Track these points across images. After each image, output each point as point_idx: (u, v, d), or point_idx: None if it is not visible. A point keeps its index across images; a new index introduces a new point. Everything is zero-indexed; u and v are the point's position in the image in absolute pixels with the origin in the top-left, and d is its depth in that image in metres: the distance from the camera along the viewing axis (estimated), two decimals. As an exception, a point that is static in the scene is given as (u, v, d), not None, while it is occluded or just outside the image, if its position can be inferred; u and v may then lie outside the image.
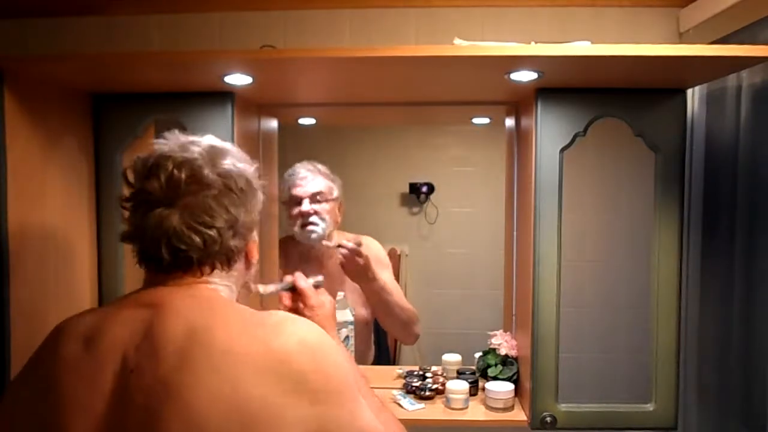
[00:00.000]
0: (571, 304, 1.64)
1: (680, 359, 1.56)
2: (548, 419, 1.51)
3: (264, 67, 1.37)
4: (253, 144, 1.70)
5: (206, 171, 0.87)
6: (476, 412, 1.61)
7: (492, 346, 1.75)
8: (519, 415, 1.59)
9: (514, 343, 1.73)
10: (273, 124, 1.89)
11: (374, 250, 2.01)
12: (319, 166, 1.96)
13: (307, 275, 1.95)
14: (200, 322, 0.79)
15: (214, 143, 0.93)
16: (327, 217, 1.90)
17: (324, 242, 1.88)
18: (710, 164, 1.65)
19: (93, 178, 1.59)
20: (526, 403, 1.57)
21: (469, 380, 1.67)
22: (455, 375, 1.74)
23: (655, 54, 1.23)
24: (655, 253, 1.53)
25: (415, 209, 2.69)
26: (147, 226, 0.85)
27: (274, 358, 0.76)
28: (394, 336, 2.11)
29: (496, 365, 1.70)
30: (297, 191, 1.90)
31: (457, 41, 1.35)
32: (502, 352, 1.71)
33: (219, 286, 0.90)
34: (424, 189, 2.66)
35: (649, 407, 1.54)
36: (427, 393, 1.66)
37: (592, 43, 1.30)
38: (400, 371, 1.82)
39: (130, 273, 1.63)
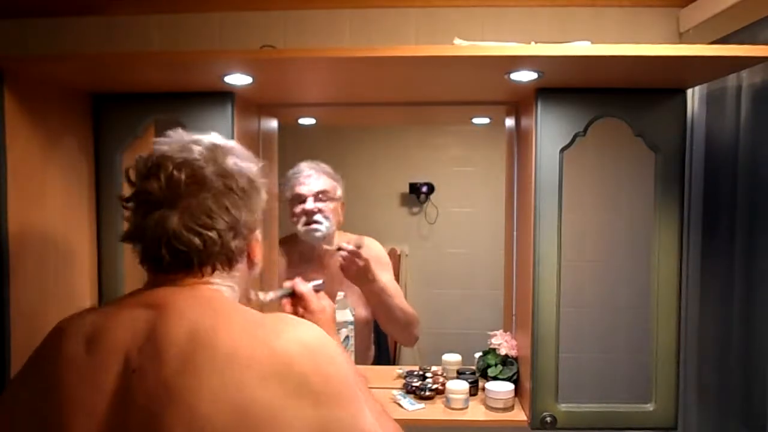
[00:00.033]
0: (571, 304, 1.64)
1: (680, 359, 1.56)
2: (548, 419, 1.51)
3: (264, 67, 1.37)
4: (253, 144, 1.70)
5: (206, 171, 0.86)
6: (476, 412, 1.61)
7: (492, 346, 1.75)
8: (519, 415, 1.59)
9: (514, 343, 1.73)
10: (273, 124, 1.89)
11: (375, 251, 2.00)
12: (323, 166, 1.96)
13: (308, 274, 1.95)
14: (203, 324, 0.79)
15: (216, 142, 0.92)
16: (330, 216, 1.90)
17: (325, 246, 1.88)
18: (710, 164, 1.65)
19: (93, 178, 1.59)
20: (526, 403, 1.57)
21: (469, 380, 1.67)
22: (455, 375, 1.74)
23: (655, 54, 1.23)
24: (655, 253, 1.53)
25: (415, 209, 2.69)
26: (147, 227, 0.85)
27: (277, 360, 0.76)
28: (394, 338, 2.11)
29: (496, 365, 1.70)
30: (301, 189, 1.90)
31: (457, 41, 1.35)
32: (502, 352, 1.71)
33: (221, 287, 0.90)
34: (424, 189, 2.66)
35: (649, 407, 1.54)
36: (427, 393, 1.66)
37: (592, 43, 1.30)
38: (400, 371, 1.82)
39: (130, 273, 1.63)
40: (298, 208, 1.89)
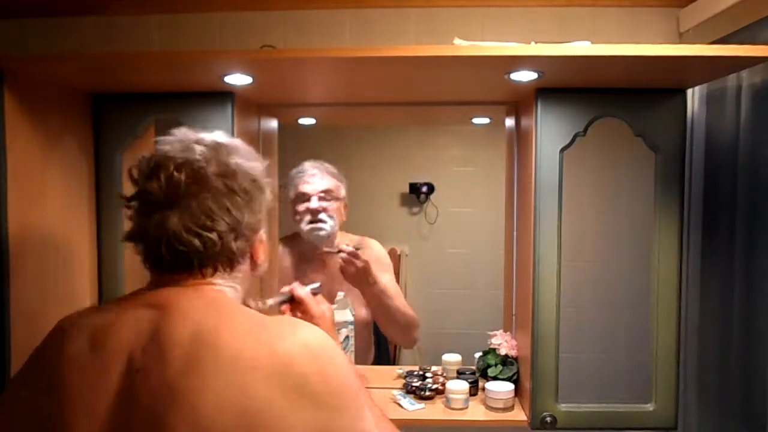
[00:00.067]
0: (571, 304, 1.64)
1: (680, 359, 1.56)
2: (548, 419, 1.51)
3: (264, 67, 1.37)
4: (253, 144, 1.67)
5: (207, 172, 0.85)
6: (476, 412, 1.61)
7: (492, 346, 1.75)
8: (519, 415, 1.59)
9: (514, 343, 1.73)
10: (273, 124, 1.89)
11: (377, 252, 2.00)
12: (327, 165, 1.96)
13: (308, 274, 1.95)
14: (207, 325, 0.79)
15: (220, 140, 0.91)
16: (334, 215, 1.90)
17: (325, 249, 1.88)
18: (710, 164, 1.65)
19: (93, 178, 1.59)
20: (526, 403, 1.57)
21: (469, 380, 1.67)
22: (455, 375, 1.74)
23: (655, 54, 1.23)
24: (655, 253, 1.53)
25: (415, 209, 2.69)
26: (149, 227, 0.85)
27: (279, 362, 0.76)
28: (393, 340, 2.09)
29: (496, 365, 1.70)
30: (306, 188, 1.89)
31: (457, 41, 1.35)
32: (502, 352, 1.71)
33: (224, 288, 0.89)
34: (424, 189, 2.66)
35: (649, 407, 1.54)
36: (427, 393, 1.66)
37: (592, 43, 1.30)
38: (400, 371, 1.82)
39: (130, 273, 1.63)
40: (302, 207, 1.88)
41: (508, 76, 1.38)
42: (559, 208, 1.50)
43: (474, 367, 1.77)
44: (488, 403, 1.61)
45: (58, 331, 0.87)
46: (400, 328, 1.90)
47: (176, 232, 0.83)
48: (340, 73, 1.47)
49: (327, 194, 1.89)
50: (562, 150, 1.49)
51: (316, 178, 1.90)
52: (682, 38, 1.77)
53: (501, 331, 1.79)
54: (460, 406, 1.61)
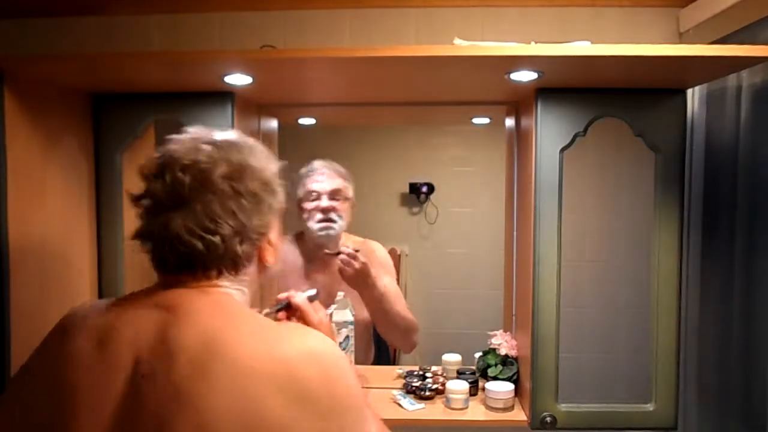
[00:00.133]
0: (571, 304, 1.64)
1: (680, 359, 1.56)
2: (548, 419, 1.51)
3: (264, 67, 1.37)
4: (253, 144, 1.69)
5: (213, 174, 0.84)
6: (476, 412, 1.61)
7: (492, 346, 1.75)
8: (519, 415, 1.59)
9: (514, 343, 1.73)
10: (273, 124, 1.89)
11: (379, 255, 1.99)
12: (336, 165, 1.94)
13: (311, 273, 1.95)
14: (215, 330, 0.78)
15: (233, 141, 0.89)
16: (343, 215, 1.89)
17: (325, 250, 1.87)
18: (710, 164, 1.65)
19: (93, 178, 1.59)
20: (526, 403, 1.57)
21: (469, 380, 1.67)
22: (455, 375, 1.74)
23: (655, 54, 1.23)
24: (655, 253, 1.53)
25: (415, 209, 2.69)
26: (154, 227, 0.85)
27: (285, 369, 0.75)
28: (392, 344, 2.06)
29: (496, 365, 1.70)
30: (316, 186, 1.88)
31: (457, 41, 1.35)
32: (502, 352, 1.71)
33: (230, 290, 0.88)
34: (424, 189, 2.65)
35: (649, 407, 1.54)
36: (427, 393, 1.66)
37: (592, 43, 1.30)
38: (400, 371, 1.82)
39: (130, 273, 1.63)
40: (311, 205, 1.87)
41: (508, 76, 1.38)
42: (559, 208, 1.50)
43: (474, 367, 1.77)
44: (488, 403, 1.61)
45: (62, 330, 0.86)
46: (399, 332, 1.88)
47: (179, 234, 0.83)
48: (339, 73, 1.47)
49: (337, 194, 1.88)
50: (562, 150, 1.49)
51: (326, 177, 1.89)
52: (682, 38, 1.77)
53: (501, 331, 1.79)
54: (460, 406, 1.61)
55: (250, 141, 0.93)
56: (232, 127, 1.52)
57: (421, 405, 1.64)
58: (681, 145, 1.51)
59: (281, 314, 1.06)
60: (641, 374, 1.59)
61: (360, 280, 1.74)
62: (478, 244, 2.60)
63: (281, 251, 0.98)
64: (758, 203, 1.42)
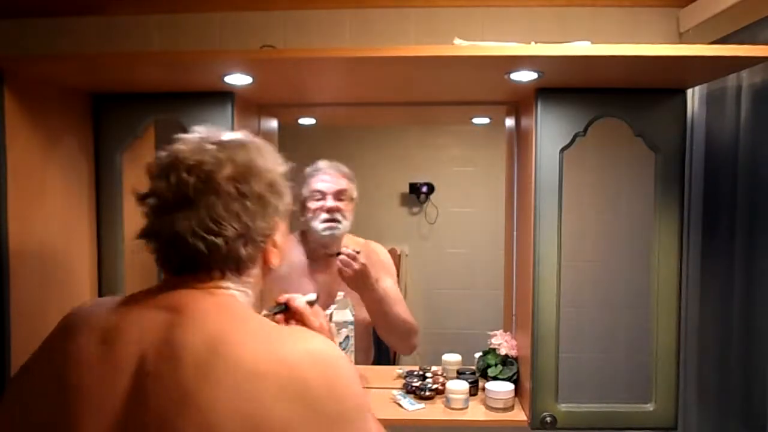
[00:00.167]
0: (571, 304, 1.65)
1: (680, 359, 1.56)
2: (548, 419, 1.51)
3: (264, 67, 1.37)
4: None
5: (218, 176, 0.83)
6: (476, 412, 1.61)
7: (492, 346, 1.75)
8: (519, 415, 1.59)
9: (514, 343, 1.73)
10: (273, 124, 1.89)
11: (381, 257, 1.99)
12: (341, 166, 1.94)
13: (312, 272, 1.94)
14: (220, 332, 0.78)
15: (240, 142, 0.89)
16: (348, 215, 1.89)
17: (325, 251, 1.87)
18: (710, 164, 1.65)
19: (93, 178, 1.59)
20: (526, 403, 1.57)
21: (469, 380, 1.67)
22: (455, 375, 1.74)
23: (655, 54, 1.23)
24: (655, 253, 1.53)
25: (415, 209, 2.69)
26: (159, 227, 0.85)
27: (289, 372, 0.75)
28: (391, 346, 2.05)
29: (496, 365, 1.70)
30: (321, 186, 1.88)
31: (457, 41, 1.35)
32: (502, 352, 1.71)
33: (235, 292, 0.88)
34: (424, 189, 2.66)
35: (649, 407, 1.54)
36: (427, 393, 1.66)
37: (592, 43, 1.30)
38: (400, 371, 1.82)
39: (130, 273, 1.63)
40: (316, 205, 1.87)
41: (508, 76, 1.38)
42: (559, 208, 1.50)
43: (474, 367, 1.77)
44: (488, 403, 1.61)
45: (65, 328, 0.86)
46: (398, 334, 1.88)
47: (181, 235, 0.82)
48: (340, 73, 1.47)
49: (342, 194, 1.88)
50: (562, 150, 1.49)
51: (332, 177, 1.89)
52: (682, 38, 1.77)
53: (501, 331, 1.79)
54: (460, 406, 1.61)
55: (259, 141, 0.92)
56: (232, 127, 1.52)
57: (421, 405, 1.64)
58: (681, 145, 1.51)
59: (279, 316, 1.05)
60: (641, 374, 1.59)
61: (359, 282, 1.74)
62: (478, 244, 2.60)
63: (286, 252, 0.97)
64: (758, 203, 1.42)
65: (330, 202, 1.85)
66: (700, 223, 1.68)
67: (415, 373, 1.76)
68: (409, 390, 1.70)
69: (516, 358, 1.70)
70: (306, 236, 1.94)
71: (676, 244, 1.53)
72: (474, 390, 1.68)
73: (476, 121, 2.09)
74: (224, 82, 1.42)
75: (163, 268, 0.88)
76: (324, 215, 1.85)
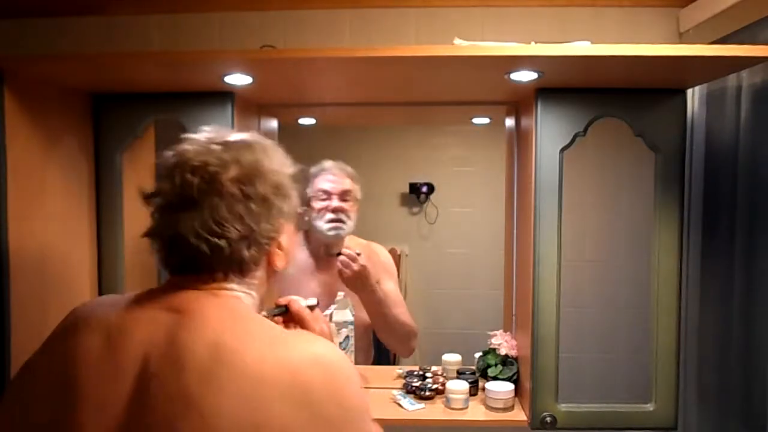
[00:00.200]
0: (571, 304, 1.64)
1: (680, 359, 1.56)
2: (548, 419, 1.51)
3: (264, 67, 1.37)
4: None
5: (223, 177, 0.83)
6: (476, 412, 1.61)
7: (492, 346, 1.75)
8: (519, 415, 1.59)
9: (514, 343, 1.73)
10: (273, 124, 1.89)
11: (382, 257, 1.99)
12: (345, 166, 1.94)
13: (314, 272, 1.94)
14: (224, 337, 0.77)
15: (247, 142, 0.88)
16: (352, 216, 1.89)
17: (325, 251, 1.87)
18: (710, 164, 1.65)
19: (93, 178, 1.59)
20: (526, 403, 1.57)
21: (469, 380, 1.67)
22: (455, 375, 1.74)
23: (655, 54, 1.23)
24: (655, 253, 1.53)
25: (415, 209, 2.68)
26: (163, 228, 0.84)
27: (294, 377, 0.75)
28: (390, 348, 2.06)
29: (496, 365, 1.70)
30: (327, 186, 1.88)
31: (457, 41, 1.35)
32: (502, 352, 1.71)
33: (239, 293, 0.87)
34: (424, 189, 2.65)
35: (649, 407, 1.54)
36: (427, 393, 1.66)
37: (592, 43, 1.30)
38: (400, 371, 1.82)
39: (130, 273, 1.63)
40: (321, 205, 1.86)
41: (508, 76, 1.38)
42: (559, 208, 1.50)
43: (474, 367, 1.77)
44: (488, 403, 1.61)
45: (69, 326, 0.86)
46: (397, 337, 1.87)
47: (184, 235, 0.82)
48: (340, 73, 1.47)
49: (347, 195, 1.89)
50: (562, 150, 1.49)
51: (337, 177, 1.89)
52: (682, 38, 1.77)
53: (501, 331, 1.79)
54: (460, 406, 1.61)
55: (266, 142, 0.91)
56: (232, 127, 1.52)
57: (421, 405, 1.64)
58: (681, 145, 1.51)
59: (278, 319, 1.05)
60: (641, 374, 1.59)
61: (359, 283, 1.74)
62: (478, 244, 2.60)
63: (293, 255, 0.96)
64: (758, 203, 1.42)
65: (335, 203, 1.86)
66: (700, 223, 1.68)
67: (415, 373, 1.76)
68: (409, 390, 1.70)
69: (516, 358, 1.70)
70: (308, 236, 1.94)
71: (676, 244, 1.53)
72: (474, 390, 1.68)
73: (476, 121, 2.09)
74: (224, 82, 1.42)
75: (167, 268, 0.87)
76: (329, 215, 1.85)
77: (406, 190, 2.66)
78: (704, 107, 1.66)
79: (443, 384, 1.67)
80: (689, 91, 1.56)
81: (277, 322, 1.03)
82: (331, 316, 1.62)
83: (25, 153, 1.35)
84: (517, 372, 1.68)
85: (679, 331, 1.54)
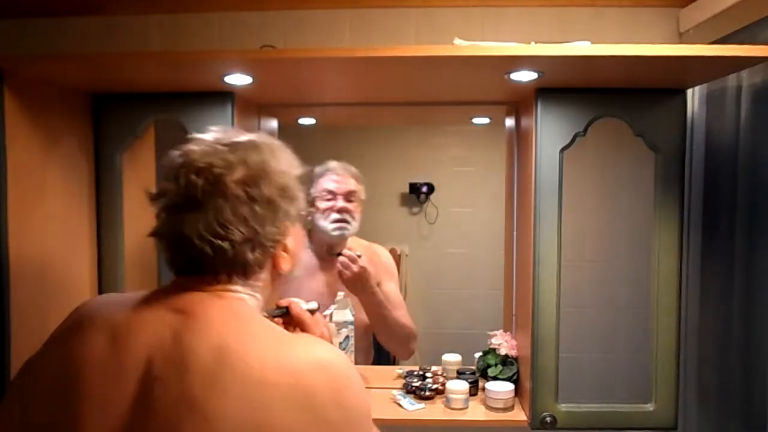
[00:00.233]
0: (571, 304, 1.64)
1: (680, 359, 1.56)
2: (548, 419, 1.51)
3: (264, 67, 1.37)
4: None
5: (228, 179, 0.82)
6: (476, 412, 1.61)
7: (492, 346, 1.75)
8: (519, 415, 1.59)
9: (514, 343, 1.73)
10: (273, 124, 1.89)
11: (383, 259, 1.99)
12: (351, 168, 1.95)
13: (316, 271, 1.94)
14: (228, 340, 0.77)
15: (253, 142, 0.88)
16: (356, 217, 1.89)
17: (329, 251, 1.87)
18: (710, 164, 1.65)
19: (93, 178, 1.59)
20: (526, 403, 1.57)
21: (469, 380, 1.67)
22: (455, 375, 1.74)
23: (655, 54, 1.23)
24: (655, 253, 1.53)
25: (415, 209, 2.69)
26: (168, 228, 0.84)
27: (297, 381, 0.75)
28: (389, 350, 2.06)
29: (496, 365, 1.70)
30: (332, 186, 1.88)
31: (457, 41, 1.35)
32: (502, 352, 1.71)
33: (243, 295, 0.87)
34: (424, 189, 2.65)
35: (649, 407, 1.54)
36: (427, 393, 1.66)
37: (592, 43, 1.30)
38: (400, 371, 1.82)
39: (130, 273, 1.63)
40: (326, 205, 1.86)
41: (508, 76, 1.38)
42: (559, 208, 1.50)
43: (474, 367, 1.77)
44: (488, 403, 1.61)
45: (73, 324, 0.85)
46: (397, 339, 1.87)
47: (188, 237, 0.82)
48: (339, 73, 1.47)
49: (351, 195, 1.89)
50: (562, 150, 1.49)
51: (342, 178, 1.89)
52: (682, 38, 1.77)
53: (501, 331, 1.79)
54: (460, 406, 1.61)
55: (274, 144, 0.90)
56: (232, 127, 1.52)
57: (421, 405, 1.64)
58: (681, 145, 1.51)
59: (278, 320, 1.04)
60: (641, 374, 1.59)
61: (358, 284, 1.74)
62: (478, 244, 2.60)
63: (299, 257, 0.95)
64: (758, 203, 1.42)
65: (340, 203, 1.86)
66: (700, 223, 1.68)
67: (415, 373, 1.76)
68: (409, 390, 1.70)
69: (516, 358, 1.70)
70: (311, 235, 1.94)
71: (676, 244, 1.53)
72: (474, 390, 1.68)
73: (476, 121, 2.09)
74: (224, 82, 1.42)
75: (172, 269, 0.87)
76: (334, 215, 1.85)
77: (406, 190, 2.66)
78: (704, 107, 1.66)
79: (443, 384, 1.67)
80: (689, 91, 1.56)
81: (277, 323, 1.03)
82: (331, 316, 1.62)
83: (25, 153, 1.35)
84: (517, 372, 1.68)
85: (679, 331, 1.54)
